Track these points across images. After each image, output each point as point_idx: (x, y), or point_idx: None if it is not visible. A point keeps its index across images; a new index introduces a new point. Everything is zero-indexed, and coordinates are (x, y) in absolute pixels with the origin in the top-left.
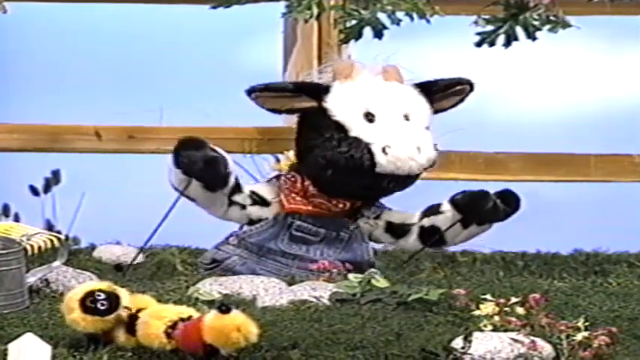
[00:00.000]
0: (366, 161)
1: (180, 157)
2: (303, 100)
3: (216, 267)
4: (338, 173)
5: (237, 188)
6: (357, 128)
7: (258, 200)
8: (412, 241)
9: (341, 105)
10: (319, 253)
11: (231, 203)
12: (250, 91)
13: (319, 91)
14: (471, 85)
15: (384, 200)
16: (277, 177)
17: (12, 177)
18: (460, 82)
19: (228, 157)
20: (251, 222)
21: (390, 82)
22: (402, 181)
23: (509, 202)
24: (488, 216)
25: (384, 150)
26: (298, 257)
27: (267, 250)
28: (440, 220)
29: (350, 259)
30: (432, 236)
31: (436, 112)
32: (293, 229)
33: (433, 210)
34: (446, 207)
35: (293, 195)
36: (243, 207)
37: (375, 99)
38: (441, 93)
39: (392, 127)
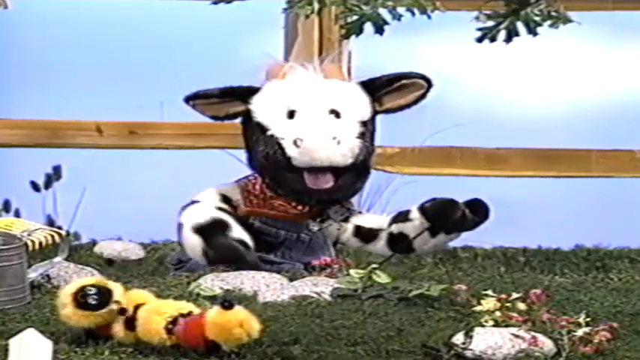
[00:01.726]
0: (279, 156)
1: (212, 260)
2: (233, 104)
3: (182, 267)
4: (269, 174)
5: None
6: (275, 126)
7: (230, 205)
8: (380, 246)
9: (263, 105)
10: (280, 254)
11: None
12: (186, 100)
13: (247, 93)
14: (426, 80)
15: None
16: (245, 177)
17: (13, 172)
18: (405, 76)
19: (242, 232)
20: None
21: (329, 79)
22: (332, 173)
23: (477, 212)
24: (456, 225)
25: (295, 142)
26: (260, 259)
27: None
28: (408, 228)
29: (311, 262)
30: (400, 243)
31: (392, 110)
32: (253, 232)
33: (402, 217)
34: (415, 215)
35: (251, 198)
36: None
37: (299, 96)
38: (385, 88)
39: (309, 121)
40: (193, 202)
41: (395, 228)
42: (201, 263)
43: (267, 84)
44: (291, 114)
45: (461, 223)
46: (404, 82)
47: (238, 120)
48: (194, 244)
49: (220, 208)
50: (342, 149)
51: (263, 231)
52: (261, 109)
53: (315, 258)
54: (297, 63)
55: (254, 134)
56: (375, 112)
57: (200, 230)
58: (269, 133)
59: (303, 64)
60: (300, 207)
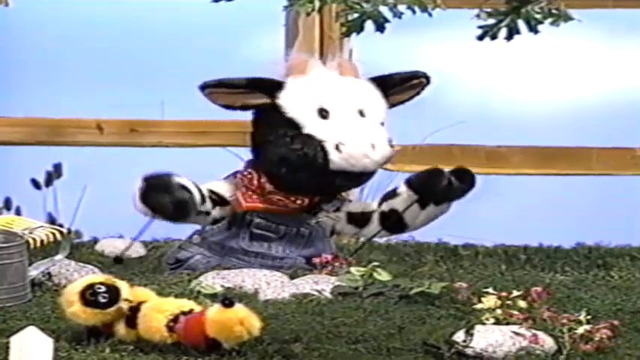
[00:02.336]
0: (320, 159)
1: (148, 200)
2: (257, 96)
3: (180, 266)
4: (291, 170)
5: (202, 199)
6: (311, 125)
7: (218, 200)
8: (374, 228)
9: (294, 101)
10: (281, 249)
11: (198, 213)
12: (203, 87)
13: (273, 87)
14: (427, 79)
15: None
16: (235, 174)
17: (14, 170)
18: (416, 75)
19: (191, 185)
20: (214, 221)
21: (345, 77)
22: (356, 178)
23: (463, 179)
24: (443, 194)
25: (337, 147)
26: (260, 255)
27: (229, 249)
28: (397, 203)
29: (312, 255)
30: (392, 221)
31: (392, 105)
32: (253, 227)
33: (390, 194)
34: (402, 189)
35: (250, 193)
36: (208, 214)
37: (329, 94)
38: (397, 87)
39: (346, 124)
40: None
41: (385, 206)
42: (138, 209)
43: (291, 79)
44: (322, 112)
45: (448, 191)
46: (414, 81)
47: (249, 112)
48: (136, 187)
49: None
50: (376, 156)
51: (262, 227)
52: (291, 104)
53: (316, 251)
54: (316, 59)
55: (281, 129)
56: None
57: (146, 177)
58: (305, 131)
59: (322, 60)
60: (299, 201)
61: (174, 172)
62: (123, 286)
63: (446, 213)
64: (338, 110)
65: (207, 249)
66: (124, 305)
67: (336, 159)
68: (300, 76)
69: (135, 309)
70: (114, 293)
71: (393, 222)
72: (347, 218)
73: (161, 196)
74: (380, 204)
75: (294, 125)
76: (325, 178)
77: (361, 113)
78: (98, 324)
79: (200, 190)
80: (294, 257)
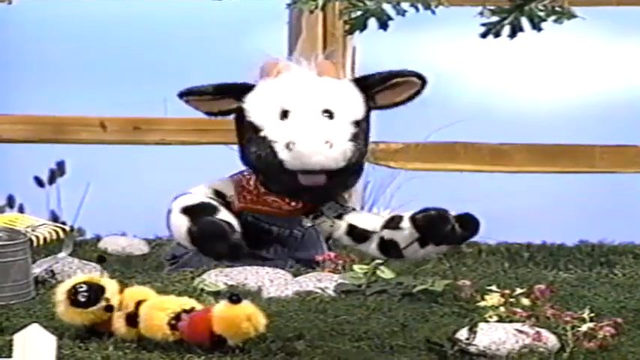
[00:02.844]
0: (271, 158)
1: (203, 247)
2: (227, 102)
3: (176, 262)
4: (261, 174)
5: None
6: (268, 127)
7: (223, 202)
8: (372, 249)
9: (257, 104)
10: (272, 250)
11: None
12: (180, 95)
13: (240, 91)
14: (419, 77)
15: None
16: (239, 173)
17: (17, 168)
18: (401, 74)
19: (230, 216)
20: None
21: (322, 77)
22: (325, 173)
23: (467, 227)
24: (445, 238)
25: (287, 146)
26: (252, 255)
27: None
28: (399, 237)
29: (304, 258)
30: (390, 250)
31: (385, 107)
32: (247, 227)
33: (394, 223)
34: (406, 224)
35: (245, 194)
36: None
37: (292, 95)
38: (379, 86)
39: (302, 123)
40: (184, 194)
41: (386, 234)
42: (185, 245)
43: (261, 82)
44: (284, 114)
45: (450, 237)
46: (397, 80)
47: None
48: (180, 223)
49: (212, 199)
50: (334, 153)
51: (256, 227)
52: (254, 108)
53: (308, 254)
54: (292, 59)
55: (247, 133)
56: (369, 110)
57: (188, 211)
58: (262, 134)
59: (299, 61)
60: (293, 203)
61: (206, 199)
62: (109, 285)
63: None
64: (299, 110)
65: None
66: (103, 304)
67: (287, 158)
68: (270, 78)
69: (112, 307)
70: (96, 292)
71: (391, 251)
72: (347, 229)
73: (217, 244)
74: (383, 227)
75: (254, 129)
76: (290, 179)
77: (328, 112)
78: (85, 323)
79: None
80: (285, 259)
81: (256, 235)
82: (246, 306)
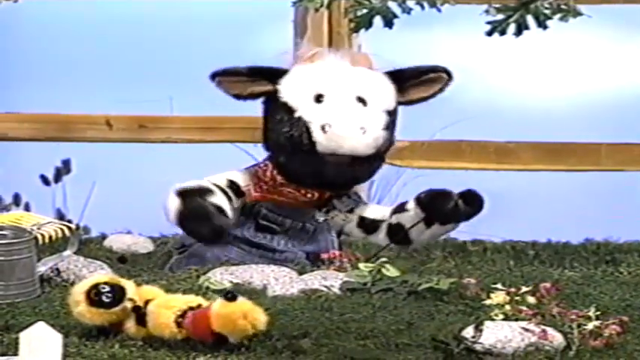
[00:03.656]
0: (305, 139)
1: (186, 225)
2: (261, 84)
3: (185, 251)
4: (286, 156)
5: (229, 199)
6: (303, 109)
7: (237, 190)
8: (381, 237)
9: (291, 87)
10: (283, 243)
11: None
12: (213, 76)
13: (275, 74)
14: (448, 74)
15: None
16: (255, 165)
17: (22, 166)
18: (433, 69)
19: (224, 201)
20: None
21: (356, 67)
22: (351, 163)
23: (471, 203)
24: (449, 216)
25: (323, 128)
26: (262, 246)
27: (233, 238)
28: (404, 218)
29: (313, 251)
30: (397, 234)
31: (413, 102)
32: (260, 218)
33: (400, 207)
34: (411, 205)
35: (261, 184)
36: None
37: (327, 80)
38: (412, 80)
39: (337, 107)
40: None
41: (394, 219)
42: (173, 224)
43: (296, 67)
44: (318, 98)
45: (454, 213)
46: (431, 75)
47: (260, 100)
48: (172, 204)
49: (217, 186)
50: (367, 139)
51: (269, 218)
52: (288, 90)
53: (318, 248)
54: (327, 50)
55: (278, 114)
56: (399, 103)
57: (182, 193)
58: (296, 114)
59: (334, 51)
60: (309, 195)
61: (206, 184)
62: (128, 285)
63: (453, 230)
64: (334, 95)
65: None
66: (129, 305)
67: (321, 140)
68: (306, 64)
69: (139, 308)
70: (118, 293)
71: (399, 236)
72: (358, 222)
73: (199, 225)
74: (391, 215)
75: (288, 110)
76: (316, 162)
77: (361, 100)
78: (104, 323)
79: (226, 193)
80: (295, 252)
81: (268, 226)
82: (243, 303)
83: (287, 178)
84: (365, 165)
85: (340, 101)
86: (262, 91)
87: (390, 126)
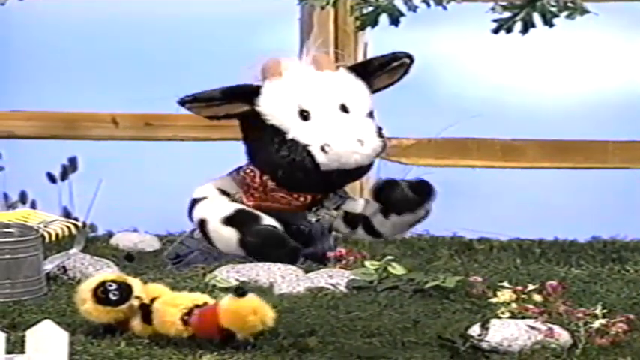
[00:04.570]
0: (308, 163)
1: (263, 256)
2: (236, 105)
3: (180, 262)
4: (286, 174)
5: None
6: (294, 129)
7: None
8: (362, 233)
9: (273, 106)
10: None
11: None
12: (182, 103)
13: (249, 93)
14: (410, 58)
15: None
16: (237, 170)
17: (29, 164)
18: (397, 57)
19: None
20: None
21: (322, 71)
22: (353, 173)
23: (419, 192)
24: (399, 205)
25: (323, 149)
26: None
27: None
28: (368, 210)
29: (310, 253)
30: (366, 226)
31: (376, 90)
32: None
33: (367, 200)
34: (370, 197)
35: (252, 191)
36: None
37: (307, 94)
38: (378, 72)
39: (328, 123)
40: (198, 200)
41: (367, 210)
42: (237, 254)
43: (267, 83)
44: (302, 114)
45: (404, 202)
46: (394, 64)
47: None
48: (228, 235)
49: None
50: (367, 150)
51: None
52: (270, 110)
53: (314, 249)
54: (289, 56)
55: (267, 135)
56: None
57: (230, 221)
58: (289, 136)
59: (295, 58)
60: (301, 199)
61: (248, 210)
62: (135, 283)
63: (422, 220)
64: (318, 109)
65: (207, 244)
66: (136, 302)
67: (324, 160)
68: (275, 78)
69: (147, 305)
70: (125, 290)
71: (367, 228)
72: (343, 217)
73: (277, 252)
74: (364, 208)
75: (277, 132)
76: (321, 176)
77: (344, 108)
78: (111, 321)
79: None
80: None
81: None
82: (252, 299)
83: (280, 185)
84: (366, 169)
85: (327, 115)
86: (239, 112)
87: (380, 129)
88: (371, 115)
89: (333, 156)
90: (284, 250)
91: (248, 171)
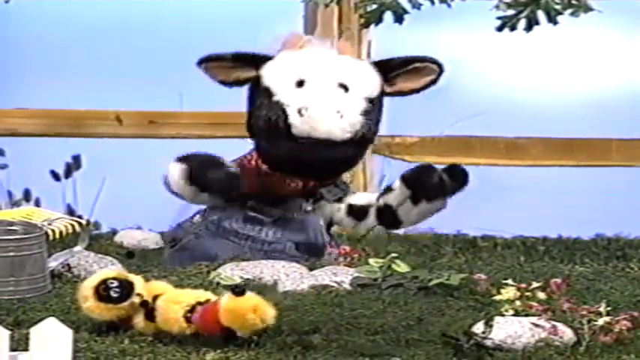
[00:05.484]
0: (281, 122)
1: (199, 177)
2: (245, 70)
3: (175, 245)
4: (265, 141)
5: None
6: (282, 93)
7: None
8: (371, 222)
9: (274, 72)
10: (272, 233)
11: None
12: (199, 62)
13: (259, 60)
14: (438, 65)
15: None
16: (241, 157)
17: (33, 162)
18: (419, 59)
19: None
20: None
21: (342, 55)
22: (328, 147)
23: (456, 177)
24: (434, 191)
25: (299, 111)
26: (250, 238)
27: (223, 230)
28: (391, 198)
29: (302, 241)
30: (386, 216)
31: (404, 93)
32: (247, 210)
33: (386, 189)
34: (397, 184)
35: (249, 175)
36: None
37: (310, 66)
38: (398, 70)
39: (316, 92)
40: None
41: (381, 201)
42: (181, 191)
43: (281, 53)
44: (300, 83)
45: (439, 188)
46: (417, 65)
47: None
48: (175, 170)
49: None
50: (344, 123)
51: (256, 209)
52: (270, 75)
53: (307, 238)
54: (314, 38)
55: (259, 98)
56: (385, 93)
57: (183, 159)
58: (275, 98)
59: (321, 40)
60: (293, 184)
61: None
62: (136, 280)
63: (442, 210)
64: (315, 80)
65: (204, 228)
66: (137, 300)
67: (297, 123)
68: (291, 50)
69: (147, 303)
70: (127, 288)
71: (388, 217)
72: (347, 210)
73: (214, 172)
74: (378, 199)
75: (268, 94)
76: (292, 146)
77: (343, 86)
78: (113, 319)
79: None
80: (284, 242)
81: (257, 217)
82: (251, 297)
83: (269, 165)
84: (343, 150)
85: (320, 86)
86: (246, 77)
87: (372, 113)
88: (371, 102)
89: (307, 119)
90: (221, 171)
91: (248, 155)
